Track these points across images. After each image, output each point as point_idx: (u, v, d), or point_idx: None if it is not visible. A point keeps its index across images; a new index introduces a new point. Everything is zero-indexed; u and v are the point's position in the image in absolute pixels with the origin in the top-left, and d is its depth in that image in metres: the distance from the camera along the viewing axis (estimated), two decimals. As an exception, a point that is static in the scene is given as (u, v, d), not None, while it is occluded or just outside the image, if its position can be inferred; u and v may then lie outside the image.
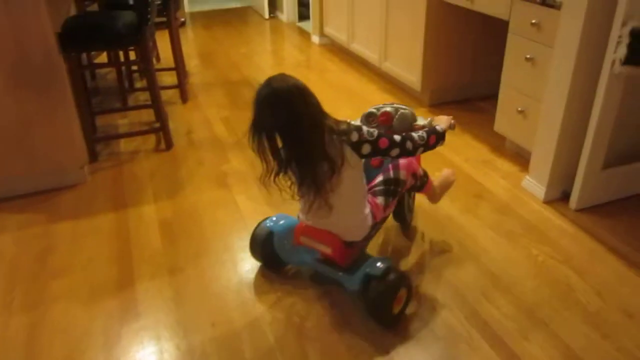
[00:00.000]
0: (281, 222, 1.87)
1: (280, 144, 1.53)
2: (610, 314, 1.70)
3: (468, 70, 3.28)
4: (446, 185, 2.08)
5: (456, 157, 2.68)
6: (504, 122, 2.65)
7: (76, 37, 2.45)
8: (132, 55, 3.60)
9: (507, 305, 1.74)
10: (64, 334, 1.67)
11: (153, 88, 2.75)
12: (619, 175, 2.24)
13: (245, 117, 3.20)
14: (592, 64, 2.03)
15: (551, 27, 2.18)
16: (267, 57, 4.52)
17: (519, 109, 2.48)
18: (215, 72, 4.11)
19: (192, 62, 4.31)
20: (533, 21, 2.28)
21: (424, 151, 1.67)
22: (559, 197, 2.31)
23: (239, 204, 2.34)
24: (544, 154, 2.27)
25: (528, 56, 2.36)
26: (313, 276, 1.89)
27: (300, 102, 1.48)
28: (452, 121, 1.82)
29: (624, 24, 1.83)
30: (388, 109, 1.85)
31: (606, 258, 1.96)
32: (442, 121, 1.78)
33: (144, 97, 3.53)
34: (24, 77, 2.23)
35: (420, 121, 1.84)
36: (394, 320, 1.68)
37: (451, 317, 1.70)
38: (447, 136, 1.73)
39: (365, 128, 1.57)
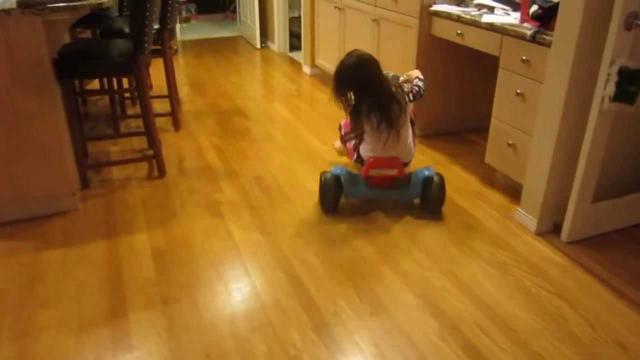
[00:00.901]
0: (338, 170, 2.46)
1: (356, 100, 2.32)
2: (604, 346, 1.72)
3: (458, 103, 3.35)
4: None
5: (447, 188, 2.70)
6: (494, 154, 2.70)
7: (72, 64, 2.46)
8: (125, 82, 3.61)
9: (503, 338, 1.74)
10: (54, 365, 1.63)
11: (147, 116, 2.75)
12: (608, 209, 2.28)
13: (237, 145, 3.25)
14: (581, 99, 2.09)
15: (541, 63, 2.24)
16: (257, 86, 4.56)
17: (510, 142, 2.53)
18: (207, 100, 4.13)
19: (183, 90, 4.34)
20: (523, 57, 2.34)
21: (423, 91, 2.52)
22: (550, 229, 2.34)
23: (233, 233, 2.33)
24: (534, 187, 2.30)
25: (518, 91, 2.42)
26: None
27: (376, 65, 2.31)
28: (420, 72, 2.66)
29: (612, 63, 1.90)
30: None
31: (597, 290, 1.98)
32: (417, 73, 2.64)
33: (135, 124, 3.53)
34: (18, 102, 2.22)
35: (402, 78, 2.58)
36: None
37: (447, 349, 1.70)
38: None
39: (406, 85, 2.46)
